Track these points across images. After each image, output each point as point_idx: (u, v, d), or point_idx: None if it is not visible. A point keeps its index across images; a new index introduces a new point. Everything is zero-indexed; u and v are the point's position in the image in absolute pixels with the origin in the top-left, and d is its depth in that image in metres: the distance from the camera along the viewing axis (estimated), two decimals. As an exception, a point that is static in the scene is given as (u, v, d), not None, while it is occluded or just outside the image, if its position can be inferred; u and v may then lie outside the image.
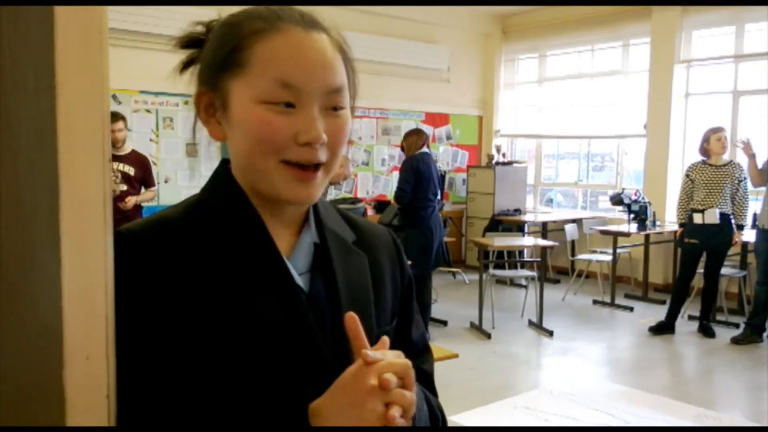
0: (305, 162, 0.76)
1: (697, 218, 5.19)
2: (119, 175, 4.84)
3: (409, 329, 0.95)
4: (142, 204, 5.09)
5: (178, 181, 6.39)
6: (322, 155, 0.76)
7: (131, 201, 4.85)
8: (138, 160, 4.98)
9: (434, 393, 0.97)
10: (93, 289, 0.62)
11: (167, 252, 0.75)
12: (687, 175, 5.33)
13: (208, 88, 0.79)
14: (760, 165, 5.12)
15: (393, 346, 0.89)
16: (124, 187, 4.82)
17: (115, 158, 4.76)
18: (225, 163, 0.83)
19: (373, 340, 0.83)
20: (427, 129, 7.74)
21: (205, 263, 0.75)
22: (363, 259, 0.87)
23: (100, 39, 0.61)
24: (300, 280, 0.80)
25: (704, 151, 5.25)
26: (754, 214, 5.31)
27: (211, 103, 0.79)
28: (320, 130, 0.75)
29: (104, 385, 0.64)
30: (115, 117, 4.74)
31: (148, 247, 0.75)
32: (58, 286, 0.60)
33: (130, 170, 4.89)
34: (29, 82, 0.57)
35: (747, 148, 5.13)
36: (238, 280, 0.75)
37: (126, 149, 4.91)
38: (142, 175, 5.00)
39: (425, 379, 0.95)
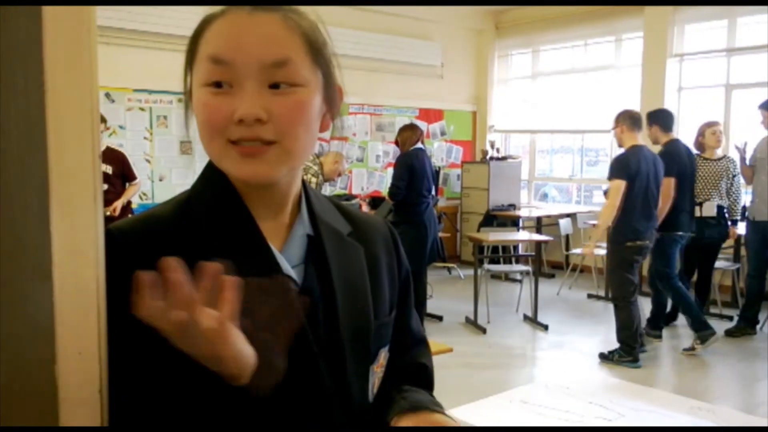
0: (245, 141, 0.74)
1: (695, 211, 5.21)
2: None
3: (408, 320, 0.96)
4: (131, 201, 5.09)
5: (173, 179, 6.38)
6: (265, 134, 0.73)
7: (118, 206, 4.85)
8: (114, 156, 4.94)
9: (432, 386, 0.97)
10: (84, 286, 0.63)
11: (157, 249, 0.75)
12: None
13: (190, 84, 0.80)
14: (748, 162, 5.17)
15: (392, 338, 0.90)
16: (105, 187, 4.81)
17: None
18: None
19: (372, 333, 0.84)
20: (421, 125, 7.73)
21: (194, 259, 0.75)
22: (359, 250, 0.87)
23: (89, 38, 0.61)
24: (293, 272, 0.79)
25: (699, 145, 5.29)
26: (744, 207, 5.35)
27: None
28: (253, 107, 0.72)
29: (97, 381, 0.65)
30: (101, 118, 4.72)
31: (137, 244, 0.75)
32: (50, 283, 0.60)
33: (107, 168, 4.85)
34: (18, 82, 0.58)
35: (742, 152, 5.17)
36: (228, 274, 0.75)
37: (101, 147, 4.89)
38: (121, 170, 4.98)
39: (423, 374, 0.96)
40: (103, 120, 4.87)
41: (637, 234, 4.39)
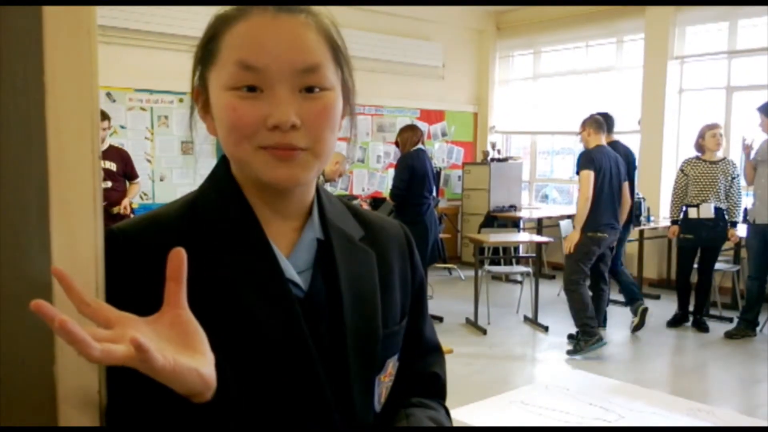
0: (279, 147, 0.73)
1: (692, 213, 5.23)
2: (103, 173, 4.80)
3: (422, 327, 0.93)
4: (132, 200, 5.11)
5: (173, 179, 6.39)
6: (299, 140, 0.73)
7: (127, 204, 4.86)
8: (118, 154, 4.96)
9: (444, 396, 0.95)
10: (83, 285, 0.63)
11: (160, 251, 0.74)
12: (681, 170, 5.37)
13: (199, 83, 0.79)
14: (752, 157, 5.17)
15: (405, 345, 0.88)
16: (109, 184, 4.82)
17: None
18: (224, 160, 0.81)
19: (380, 341, 0.82)
20: (422, 126, 7.74)
21: (196, 262, 0.73)
22: (370, 256, 0.85)
23: (89, 38, 0.61)
24: (299, 279, 0.78)
25: (699, 146, 5.31)
26: (745, 209, 5.35)
27: (205, 99, 0.79)
28: (288, 112, 0.71)
29: (96, 381, 0.65)
30: (104, 116, 4.73)
31: (140, 246, 0.74)
32: (49, 283, 0.60)
33: (112, 165, 4.87)
34: (18, 82, 0.58)
35: (747, 149, 5.17)
36: (228, 278, 0.74)
37: (104, 145, 4.88)
38: (124, 168, 4.99)
39: (435, 383, 0.94)
40: (107, 116, 4.86)
41: (598, 226, 4.69)
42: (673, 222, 5.42)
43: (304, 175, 0.75)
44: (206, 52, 0.76)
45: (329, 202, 0.85)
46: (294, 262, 0.78)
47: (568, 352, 4.76)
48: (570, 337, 5.06)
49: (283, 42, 0.72)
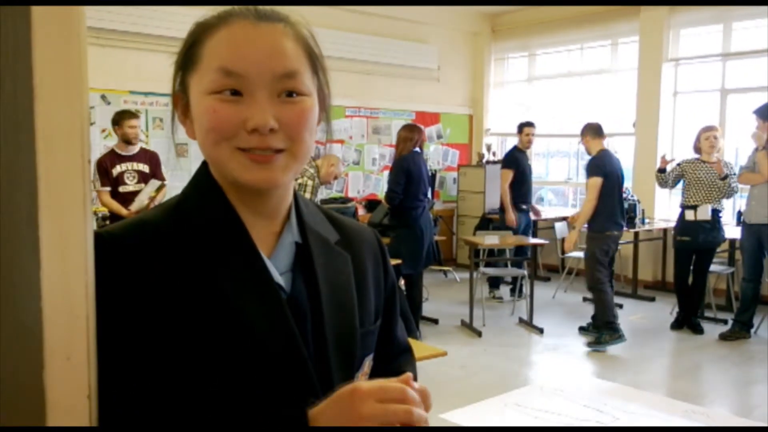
0: (257, 149, 0.75)
1: (689, 215, 5.25)
2: (137, 175, 4.91)
3: (394, 329, 0.97)
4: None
5: (169, 181, 6.36)
6: (277, 142, 0.76)
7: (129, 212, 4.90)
8: (149, 156, 5.10)
9: None
10: (73, 290, 0.62)
11: (147, 254, 0.75)
12: (678, 165, 5.41)
13: (180, 88, 0.82)
14: (745, 162, 5.19)
15: (378, 346, 0.91)
16: (143, 186, 4.92)
17: (129, 158, 4.91)
18: (205, 164, 0.83)
19: (357, 340, 0.84)
20: (418, 128, 7.73)
21: (184, 264, 0.75)
22: (346, 259, 0.88)
23: (78, 40, 0.61)
24: (281, 280, 0.80)
25: (697, 149, 5.37)
26: (739, 211, 5.37)
27: (185, 104, 0.81)
28: (267, 116, 0.74)
29: (85, 386, 0.64)
30: (134, 115, 4.97)
31: (128, 249, 0.75)
32: (38, 288, 0.60)
33: (145, 168, 4.99)
34: (7, 84, 0.57)
35: (728, 175, 5.17)
36: (218, 280, 0.75)
37: (135, 148, 4.97)
38: (154, 170, 5.09)
39: None
40: (136, 116, 4.95)
41: (615, 225, 5.04)
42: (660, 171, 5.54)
43: (281, 177, 0.78)
44: (187, 58, 0.79)
45: (306, 207, 0.88)
46: (275, 264, 0.81)
47: (589, 344, 4.99)
48: (581, 329, 5.32)
49: (263, 49, 0.75)
